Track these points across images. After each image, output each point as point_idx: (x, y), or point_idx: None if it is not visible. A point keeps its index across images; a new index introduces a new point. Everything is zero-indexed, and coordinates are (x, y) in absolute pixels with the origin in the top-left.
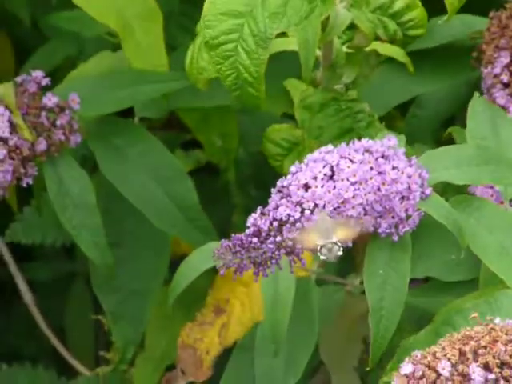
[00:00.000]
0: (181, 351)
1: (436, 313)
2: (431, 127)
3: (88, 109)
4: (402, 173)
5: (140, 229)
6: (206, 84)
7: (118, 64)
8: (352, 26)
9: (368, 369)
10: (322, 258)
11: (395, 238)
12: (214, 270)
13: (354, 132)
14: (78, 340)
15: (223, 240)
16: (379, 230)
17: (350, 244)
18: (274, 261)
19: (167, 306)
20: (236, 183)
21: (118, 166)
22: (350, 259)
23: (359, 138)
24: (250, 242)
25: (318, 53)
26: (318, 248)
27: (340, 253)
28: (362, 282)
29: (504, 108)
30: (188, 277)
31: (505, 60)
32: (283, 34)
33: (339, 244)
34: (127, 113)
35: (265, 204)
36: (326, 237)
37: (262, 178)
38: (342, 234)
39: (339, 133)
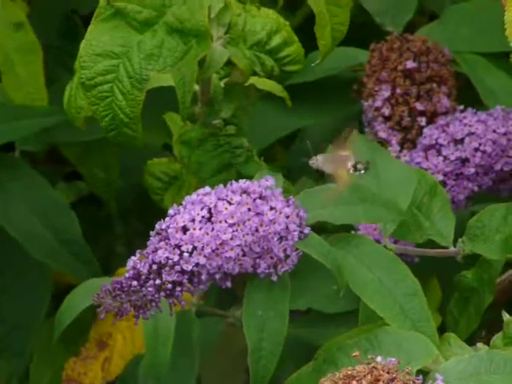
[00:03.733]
0: None
1: (318, 344)
2: None
3: None
4: (280, 213)
5: (22, 261)
6: (84, 122)
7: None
8: (230, 62)
9: None
10: (361, 174)
11: (274, 278)
12: None
13: (233, 167)
14: None
15: (103, 284)
16: (258, 271)
17: (230, 284)
18: (154, 304)
19: (51, 339)
20: (118, 214)
21: None
22: (231, 291)
23: (238, 174)
24: (130, 286)
25: (197, 88)
26: (352, 171)
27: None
28: None
29: (386, 141)
30: (71, 313)
31: (386, 93)
32: None
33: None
34: (8, 146)
35: (146, 235)
36: (346, 161)
37: (143, 209)
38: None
39: (218, 168)
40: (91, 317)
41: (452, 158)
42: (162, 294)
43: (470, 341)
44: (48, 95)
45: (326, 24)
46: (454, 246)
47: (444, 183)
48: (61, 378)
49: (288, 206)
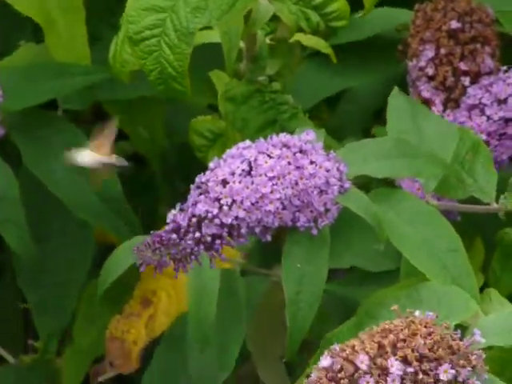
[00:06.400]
0: (109, 343)
1: (360, 302)
2: (361, 121)
3: (11, 102)
4: (320, 167)
5: (65, 222)
6: (130, 76)
7: (43, 56)
8: (275, 18)
9: (284, 360)
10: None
11: (314, 231)
12: None
13: (278, 124)
14: (6, 328)
15: (143, 237)
16: (298, 224)
17: (269, 238)
18: (193, 257)
19: (95, 299)
20: (161, 174)
21: (42, 158)
22: (275, 250)
23: (282, 130)
24: (170, 239)
25: (242, 45)
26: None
27: None
28: None
29: (429, 101)
30: (115, 272)
31: (430, 53)
32: (208, 27)
33: None
34: (51, 105)
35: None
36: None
37: (187, 169)
38: None
39: (263, 125)
40: (136, 275)
41: (495, 117)
42: (202, 246)
43: None
44: (91, 53)
45: None
46: (497, 203)
47: (487, 143)
48: (105, 337)
49: (328, 160)
